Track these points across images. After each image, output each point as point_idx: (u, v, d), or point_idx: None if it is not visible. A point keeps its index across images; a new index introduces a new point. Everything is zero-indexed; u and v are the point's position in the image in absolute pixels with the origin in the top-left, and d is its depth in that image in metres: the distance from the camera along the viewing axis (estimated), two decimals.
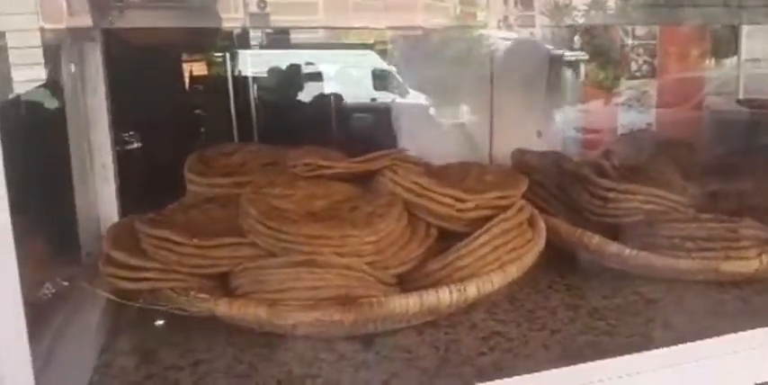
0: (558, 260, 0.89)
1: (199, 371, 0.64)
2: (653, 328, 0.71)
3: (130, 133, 1.39)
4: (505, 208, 0.73)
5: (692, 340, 0.68)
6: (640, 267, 0.81)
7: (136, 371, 0.64)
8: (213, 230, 0.71)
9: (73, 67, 0.85)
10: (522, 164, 0.96)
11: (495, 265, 0.69)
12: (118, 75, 0.93)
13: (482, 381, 0.60)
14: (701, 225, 0.77)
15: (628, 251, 0.79)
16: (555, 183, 0.88)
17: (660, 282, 0.83)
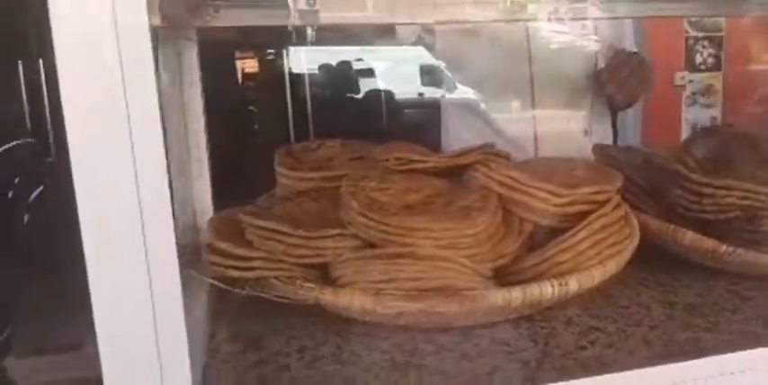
0: (647, 257, 0.88)
1: (306, 358, 0.66)
2: (754, 326, 0.70)
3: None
4: (601, 203, 0.73)
5: None
6: (735, 264, 0.80)
7: (245, 356, 0.67)
8: (309, 222, 0.74)
9: (170, 64, 0.88)
10: (607, 159, 0.95)
11: (596, 261, 0.69)
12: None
13: (588, 376, 0.60)
14: None
15: (724, 248, 0.78)
16: (642, 179, 0.87)
17: (754, 279, 0.81)
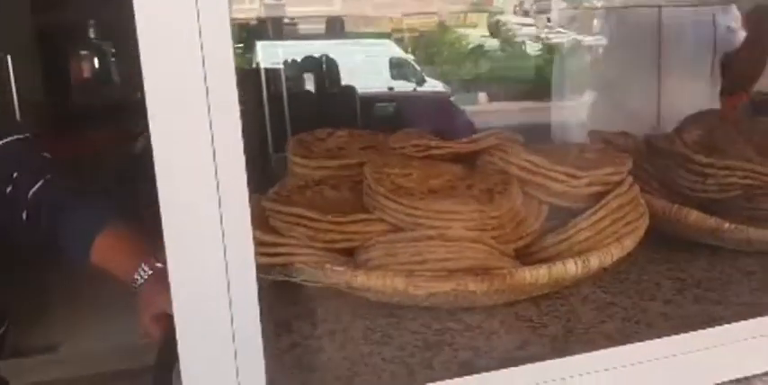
0: (650, 236, 0.92)
1: (337, 340, 0.68)
2: (760, 297, 0.74)
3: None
4: (615, 184, 0.76)
5: None
6: (737, 241, 0.84)
7: (277, 340, 0.68)
8: (331, 209, 0.75)
9: None
10: (603, 143, 0.99)
11: (613, 238, 0.72)
12: None
13: (613, 346, 0.63)
14: None
15: (727, 225, 0.82)
16: (643, 161, 0.91)
17: (754, 255, 0.85)
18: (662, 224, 0.87)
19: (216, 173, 0.44)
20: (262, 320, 0.72)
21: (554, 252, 0.72)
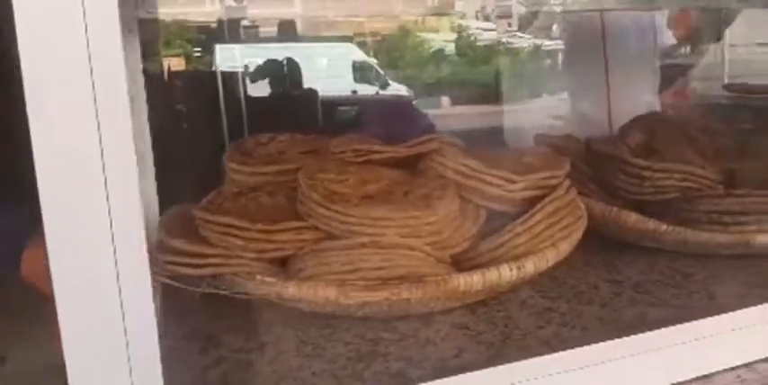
0: (589, 239, 0.92)
1: (267, 353, 0.65)
2: (698, 300, 0.74)
3: None
4: (552, 187, 0.75)
5: (737, 309, 0.71)
6: (675, 243, 0.84)
7: (205, 354, 0.65)
8: (265, 217, 0.73)
9: None
10: (548, 147, 0.99)
11: (549, 243, 0.71)
12: None
13: (550, 352, 0.62)
14: (737, 200, 0.80)
15: (665, 227, 0.82)
16: (584, 164, 0.91)
17: (691, 257, 0.86)
18: (602, 227, 0.87)
19: (105, 183, 0.41)
20: (187, 336, 0.70)
21: (491, 257, 0.71)
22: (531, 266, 0.69)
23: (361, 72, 7.36)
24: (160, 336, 0.69)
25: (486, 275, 0.66)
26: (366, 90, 6.39)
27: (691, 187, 0.84)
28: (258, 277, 0.67)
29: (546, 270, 0.75)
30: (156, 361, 0.44)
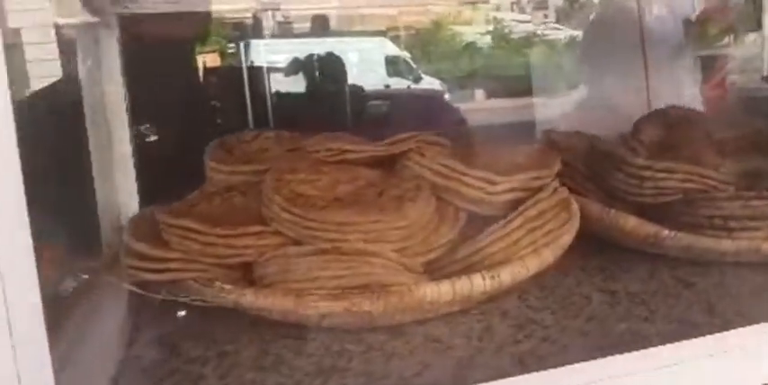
0: (589, 243, 0.86)
1: (224, 364, 0.62)
2: (696, 313, 0.68)
3: (147, 126, 1.38)
4: (539, 189, 0.70)
5: (740, 326, 0.65)
6: (678, 249, 0.78)
7: (161, 364, 0.62)
8: (236, 218, 0.69)
9: (89, 58, 0.83)
10: (551, 144, 0.93)
11: (530, 250, 0.66)
12: (134, 67, 0.91)
13: (522, 372, 0.57)
14: (745, 203, 0.73)
15: (666, 232, 0.76)
16: (585, 164, 0.85)
17: (697, 264, 0.79)
18: (601, 230, 0.82)
19: None
20: (148, 343, 0.67)
21: (467, 264, 0.66)
22: (507, 275, 0.63)
23: (394, 66, 7.31)
24: (127, 345, 0.67)
25: (457, 285, 0.62)
26: (399, 84, 6.34)
27: (694, 189, 0.77)
28: (217, 284, 0.64)
29: (532, 278, 0.70)
30: None
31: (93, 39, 0.85)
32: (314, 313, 0.61)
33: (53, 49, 1.03)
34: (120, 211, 0.87)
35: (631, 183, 0.78)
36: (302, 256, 0.62)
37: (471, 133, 1.23)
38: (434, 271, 0.67)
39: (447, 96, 6.08)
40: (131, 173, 0.88)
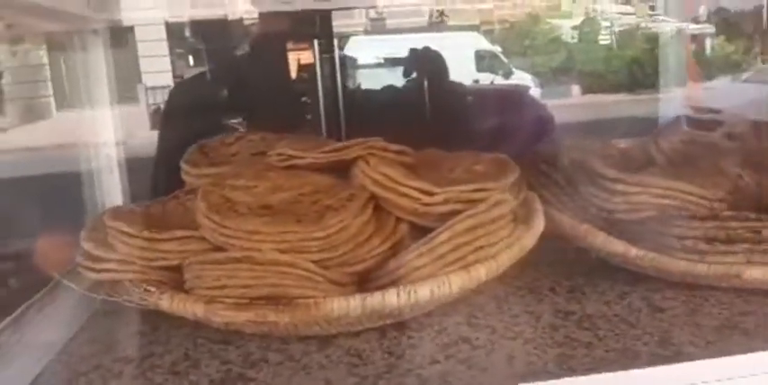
0: (568, 259, 0.80)
1: (144, 365, 0.63)
2: (645, 343, 0.62)
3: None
4: (479, 202, 0.66)
5: (693, 359, 0.58)
6: (653, 270, 0.71)
7: (87, 361, 0.65)
8: (179, 222, 0.70)
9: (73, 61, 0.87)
10: (537, 155, 0.87)
11: (458, 266, 0.62)
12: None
13: None
14: (721, 224, 0.65)
15: (635, 252, 0.69)
16: (563, 174, 0.79)
17: (678, 287, 0.72)
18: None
19: None
20: (87, 341, 0.69)
21: (394, 278, 0.63)
22: (426, 292, 0.60)
23: (484, 61, 7.18)
24: (71, 340, 0.70)
25: (368, 300, 0.59)
26: (489, 79, 6.22)
27: (673, 206, 0.70)
28: (143, 286, 0.65)
29: (495, 292, 0.67)
30: None
31: (80, 43, 0.88)
32: (222, 321, 0.61)
33: None
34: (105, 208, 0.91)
35: (603, 196, 0.72)
36: (214, 264, 0.61)
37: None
38: (369, 282, 0.65)
39: (534, 91, 5.89)
40: (116, 171, 0.92)
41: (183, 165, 0.85)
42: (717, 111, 1.15)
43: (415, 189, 0.66)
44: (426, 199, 0.66)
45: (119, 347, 0.68)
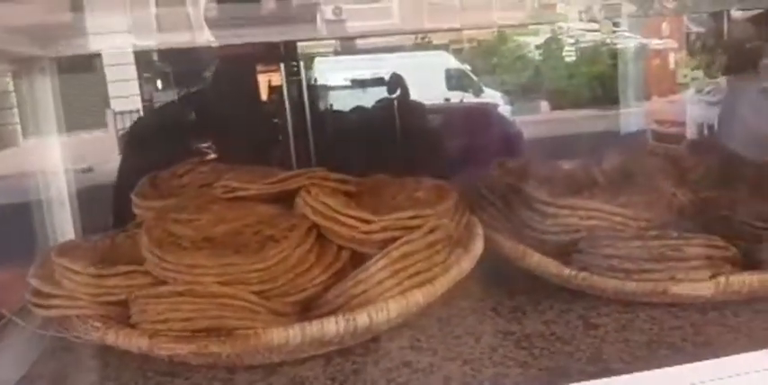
0: (512, 279, 0.83)
1: None
2: (578, 359, 0.64)
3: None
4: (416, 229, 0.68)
5: (621, 373, 0.61)
6: (589, 288, 0.74)
7: None
8: (127, 257, 0.72)
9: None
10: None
11: (395, 292, 0.64)
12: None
13: None
14: (644, 243, 0.69)
15: (567, 271, 0.72)
16: (501, 198, 0.82)
17: (613, 304, 0.75)
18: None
19: None
20: (39, 376, 0.70)
21: (335, 306, 0.65)
22: (365, 319, 0.62)
23: (454, 79, 7.27)
24: (23, 378, 0.70)
25: (307, 329, 0.61)
26: (459, 98, 6.30)
27: (599, 226, 0.73)
28: (90, 321, 0.66)
29: (438, 314, 0.69)
30: None
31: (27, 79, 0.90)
32: (166, 354, 0.62)
33: None
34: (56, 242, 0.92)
35: (535, 219, 0.75)
36: (157, 297, 0.63)
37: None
38: (312, 310, 0.67)
39: (503, 109, 5.98)
40: (67, 203, 0.92)
41: (134, 198, 0.86)
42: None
43: (353, 218, 0.68)
44: (364, 227, 0.68)
45: (71, 384, 0.69)
